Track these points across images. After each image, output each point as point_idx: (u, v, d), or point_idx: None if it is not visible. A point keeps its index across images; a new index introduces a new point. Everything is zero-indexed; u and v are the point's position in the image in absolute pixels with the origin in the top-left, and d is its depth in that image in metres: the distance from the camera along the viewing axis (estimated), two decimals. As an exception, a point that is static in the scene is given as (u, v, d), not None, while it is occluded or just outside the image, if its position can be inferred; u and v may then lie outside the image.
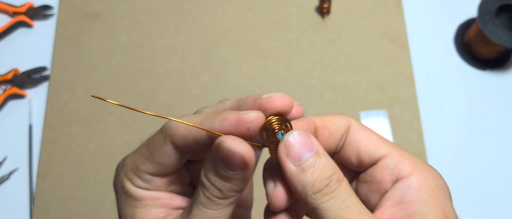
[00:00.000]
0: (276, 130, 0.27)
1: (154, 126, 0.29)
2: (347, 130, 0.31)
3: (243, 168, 0.26)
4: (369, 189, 0.30)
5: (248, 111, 0.26)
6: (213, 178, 0.26)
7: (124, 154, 0.31)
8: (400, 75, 0.77)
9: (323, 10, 0.80)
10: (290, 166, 0.27)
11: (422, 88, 0.76)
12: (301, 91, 0.76)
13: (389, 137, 0.72)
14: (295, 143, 0.27)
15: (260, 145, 0.28)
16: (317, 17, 0.81)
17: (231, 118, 0.26)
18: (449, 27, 0.81)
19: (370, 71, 0.77)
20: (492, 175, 0.72)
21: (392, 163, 0.29)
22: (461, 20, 0.81)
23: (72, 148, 0.73)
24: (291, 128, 0.28)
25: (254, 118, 0.26)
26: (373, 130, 0.31)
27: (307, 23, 0.80)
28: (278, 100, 0.27)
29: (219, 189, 0.26)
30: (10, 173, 0.72)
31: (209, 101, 0.75)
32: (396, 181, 0.28)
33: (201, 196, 0.27)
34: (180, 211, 0.30)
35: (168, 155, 0.28)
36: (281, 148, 0.27)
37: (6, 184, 0.72)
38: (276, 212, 0.29)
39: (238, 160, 0.25)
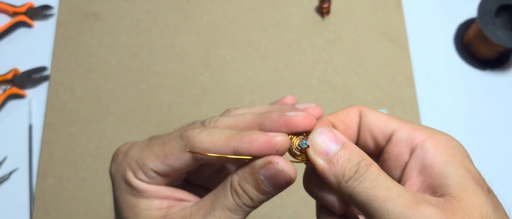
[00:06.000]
0: (298, 143, 0.29)
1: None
2: (360, 118, 0.32)
3: (286, 187, 0.28)
4: (389, 166, 0.31)
5: (276, 134, 0.28)
6: (250, 189, 0.28)
7: (124, 154, 0.31)
8: (400, 75, 0.77)
9: (323, 10, 0.80)
10: (320, 162, 0.28)
11: (422, 88, 0.76)
12: (301, 91, 0.76)
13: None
14: (321, 140, 0.28)
15: (294, 161, 0.29)
16: (317, 17, 0.81)
17: (261, 140, 0.27)
18: (449, 27, 0.81)
19: (370, 71, 0.77)
20: (492, 175, 0.71)
21: (404, 134, 0.30)
22: (461, 20, 0.81)
23: (72, 148, 0.73)
24: None
25: (283, 143, 0.28)
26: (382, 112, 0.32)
27: (307, 23, 0.80)
28: (301, 120, 0.29)
29: (252, 199, 0.28)
30: (10, 173, 0.72)
31: (209, 101, 0.75)
32: (412, 150, 0.29)
33: (229, 202, 0.28)
34: (183, 202, 0.31)
35: (183, 162, 0.29)
36: (309, 148, 0.28)
37: (6, 184, 0.72)
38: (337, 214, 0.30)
39: (286, 181, 0.28)
